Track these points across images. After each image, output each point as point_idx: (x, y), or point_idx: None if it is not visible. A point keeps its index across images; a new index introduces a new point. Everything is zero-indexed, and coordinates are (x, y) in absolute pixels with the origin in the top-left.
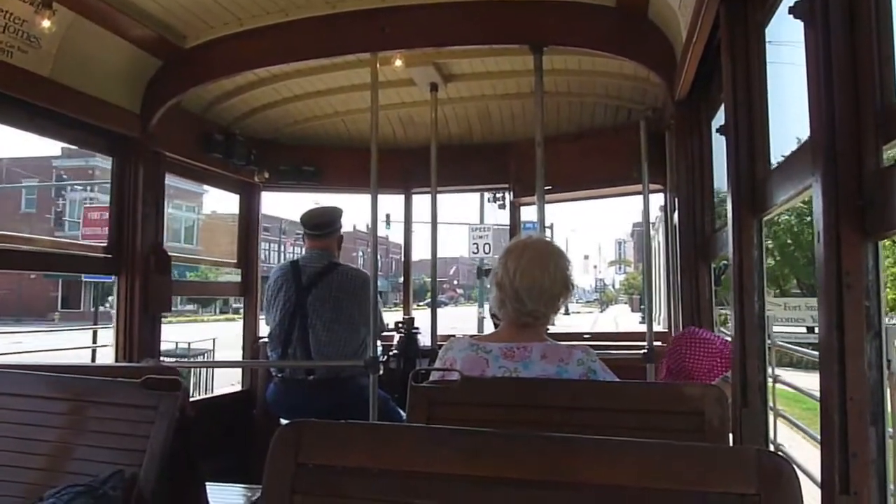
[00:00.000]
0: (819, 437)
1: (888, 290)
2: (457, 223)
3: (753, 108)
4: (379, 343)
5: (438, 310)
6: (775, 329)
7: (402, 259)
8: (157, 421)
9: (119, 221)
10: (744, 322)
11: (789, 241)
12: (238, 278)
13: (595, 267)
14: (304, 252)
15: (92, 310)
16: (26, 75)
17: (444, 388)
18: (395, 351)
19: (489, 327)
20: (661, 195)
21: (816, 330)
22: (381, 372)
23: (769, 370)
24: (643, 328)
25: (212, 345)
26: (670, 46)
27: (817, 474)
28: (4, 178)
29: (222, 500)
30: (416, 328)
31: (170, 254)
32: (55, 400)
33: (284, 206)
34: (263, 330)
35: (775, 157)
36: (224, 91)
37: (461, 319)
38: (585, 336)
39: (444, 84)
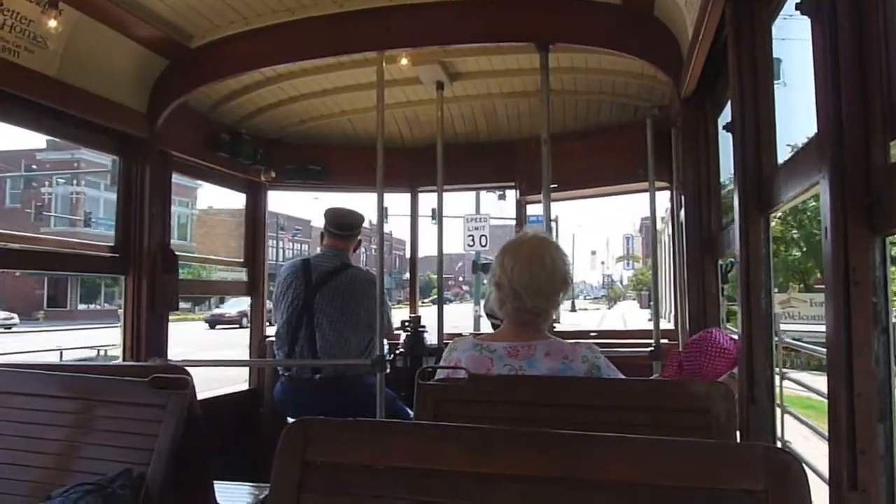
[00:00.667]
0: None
1: None
2: (451, 216)
3: (760, 104)
4: (385, 341)
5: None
6: (800, 328)
7: (409, 256)
8: (165, 420)
9: (126, 221)
10: (751, 319)
11: (816, 231)
12: (239, 276)
13: (602, 263)
14: (318, 250)
15: (79, 308)
16: (33, 75)
17: (450, 385)
18: (402, 349)
19: (486, 326)
20: (668, 192)
21: None
22: (388, 370)
23: (776, 368)
24: (650, 325)
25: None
26: (677, 44)
27: (825, 471)
28: None
29: (230, 498)
30: (423, 326)
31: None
32: (63, 399)
33: (280, 202)
34: (269, 329)
35: (782, 153)
36: (230, 90)
37: (466, 317)
38: (592, 334)
39: (450, 82)
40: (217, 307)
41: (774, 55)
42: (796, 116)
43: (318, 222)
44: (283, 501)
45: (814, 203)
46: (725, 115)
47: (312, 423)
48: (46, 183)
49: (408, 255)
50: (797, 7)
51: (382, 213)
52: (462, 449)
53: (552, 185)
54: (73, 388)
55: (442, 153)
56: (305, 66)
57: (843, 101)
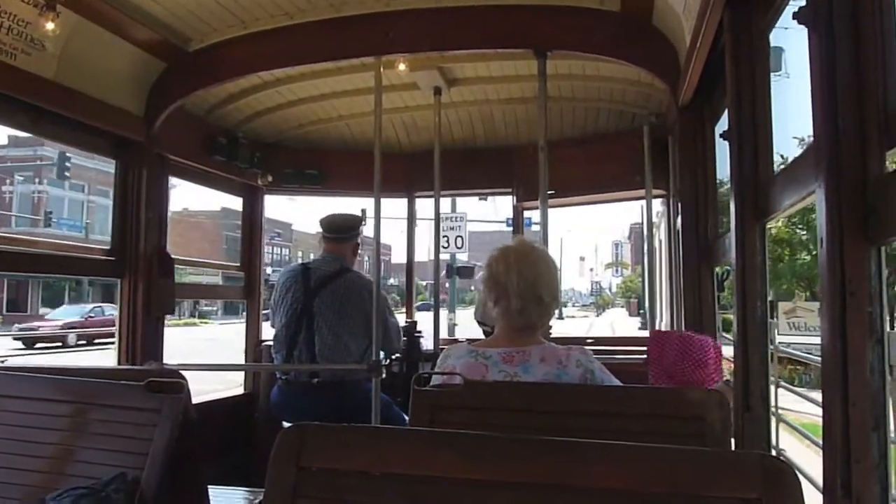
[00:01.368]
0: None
1: None
2: (424, 218)
3: (757, 113)
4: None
5: (430, 313)
6: (810, 341)
7: (406, 262)
8: (160, 423)
9: (122, 224)
10: (746, 327)
11: None
12: (215, 279)
13: (591, 269)
14: (318, 255)
15: (40, 312)
16: (30, 78)
17: (446, 391)
18: (398, 355)
19: (461, 334)
20: (664, 199)
21: None
22: (384, 375)
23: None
24: (642, 333)
25: None
26: (674, 52)
27: (819, 479)
28: None
29: (224, 503)
30: (419, 332)
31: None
32: (58, 402)
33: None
34: (266, 333)
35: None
36: (228, 94)
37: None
38: (588, 341)
39: (447, 88)
40: (40, 317)
41: (775, 45)
42: (801, 109)
43: (299, 226)
44: None
45: None
46: (722, 124)
47: (308, 429)
48: (8, 181)
49: (393, 259)
50: (794, 17)
51: (380, 218)
52: (457, 455)
53: (549, 192)
54: (68, 391)
55: (439, 159)
56: (303, 70)
57: (840, 111)
